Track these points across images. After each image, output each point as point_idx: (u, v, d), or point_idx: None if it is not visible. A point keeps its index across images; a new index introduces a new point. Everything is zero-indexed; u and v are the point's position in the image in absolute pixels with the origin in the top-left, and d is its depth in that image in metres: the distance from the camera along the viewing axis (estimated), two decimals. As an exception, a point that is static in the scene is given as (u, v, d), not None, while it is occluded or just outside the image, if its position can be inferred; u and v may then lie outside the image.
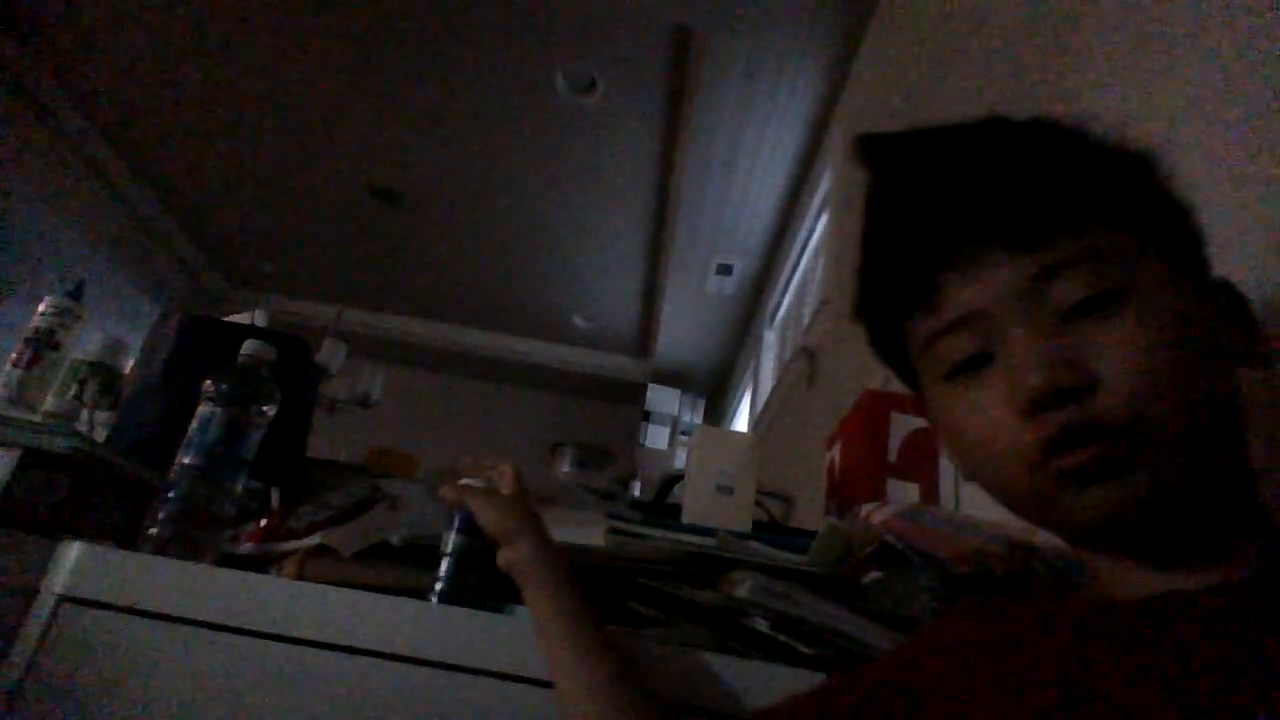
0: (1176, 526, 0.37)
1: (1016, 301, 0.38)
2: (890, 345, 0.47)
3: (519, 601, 0.61)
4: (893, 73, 2.18)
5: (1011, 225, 0.39)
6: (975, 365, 0.40)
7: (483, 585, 0.65)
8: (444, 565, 0.65)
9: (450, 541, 0.65)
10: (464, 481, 0.67)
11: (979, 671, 0.41)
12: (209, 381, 0.69)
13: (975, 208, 0.40)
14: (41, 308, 1.12)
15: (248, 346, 0.71)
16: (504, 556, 0.61)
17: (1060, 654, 0.37)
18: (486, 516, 0.62)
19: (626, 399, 5.40)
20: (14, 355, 1.09)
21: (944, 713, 0.41)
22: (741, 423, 4.28)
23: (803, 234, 3.22)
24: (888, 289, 0.45)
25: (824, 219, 2.85)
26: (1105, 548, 0.40)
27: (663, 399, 4.99)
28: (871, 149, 0.46)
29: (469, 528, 0.65)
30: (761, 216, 3.60)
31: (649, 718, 0.52)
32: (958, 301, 0.40)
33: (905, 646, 0.49)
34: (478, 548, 0.64)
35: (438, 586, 0.64)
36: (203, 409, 0.68)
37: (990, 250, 0.39)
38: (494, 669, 0.58)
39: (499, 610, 0.63)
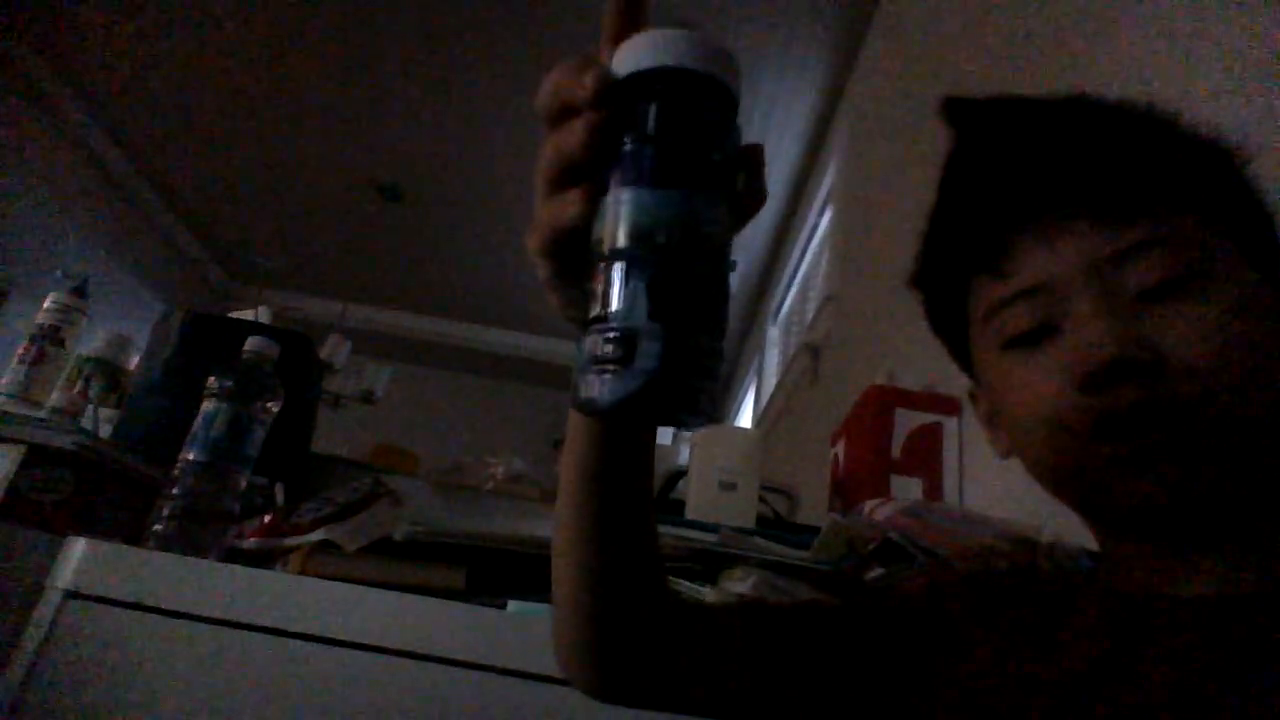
0: (1222, 519, 0.36)
1: (1090, 275, 0.38)
2: (946, 314, 0.46)
3: (518, 598, 0.61)
4: (898, 66, 2.17)
5: (1095, 199, 0.38)
6: (1037, 338, 0.39)
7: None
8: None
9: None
10: None
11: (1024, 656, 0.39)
12: (213, 378, 0.69)
13: (1061, 176, 0.39)
14: (46, 304, 1.12)
15: (251, 343, 0.71)
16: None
17: (1113, 653, 0.36)
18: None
19: (629, 394, 5.39)
20: (19, 352, 1.09)
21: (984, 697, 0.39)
22: (745, 419, 4.28)
23: (806, 229, 3.21)
24: (959, 247, 0.44)
25: (827, 214, 2.84)
26: (1138, 537, 0.38)
27: (666, 395, 4.97)
28: (958, 110, 0.45)
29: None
30: (764, 212, 3.59)
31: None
32: (1031, 267, 0.39)
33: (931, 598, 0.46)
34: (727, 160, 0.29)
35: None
36: (207, 405, 0.68)
37: (1071, 221, 0.38)
38: (496, 664, 0.58)
39: (501, 607, 0.63)
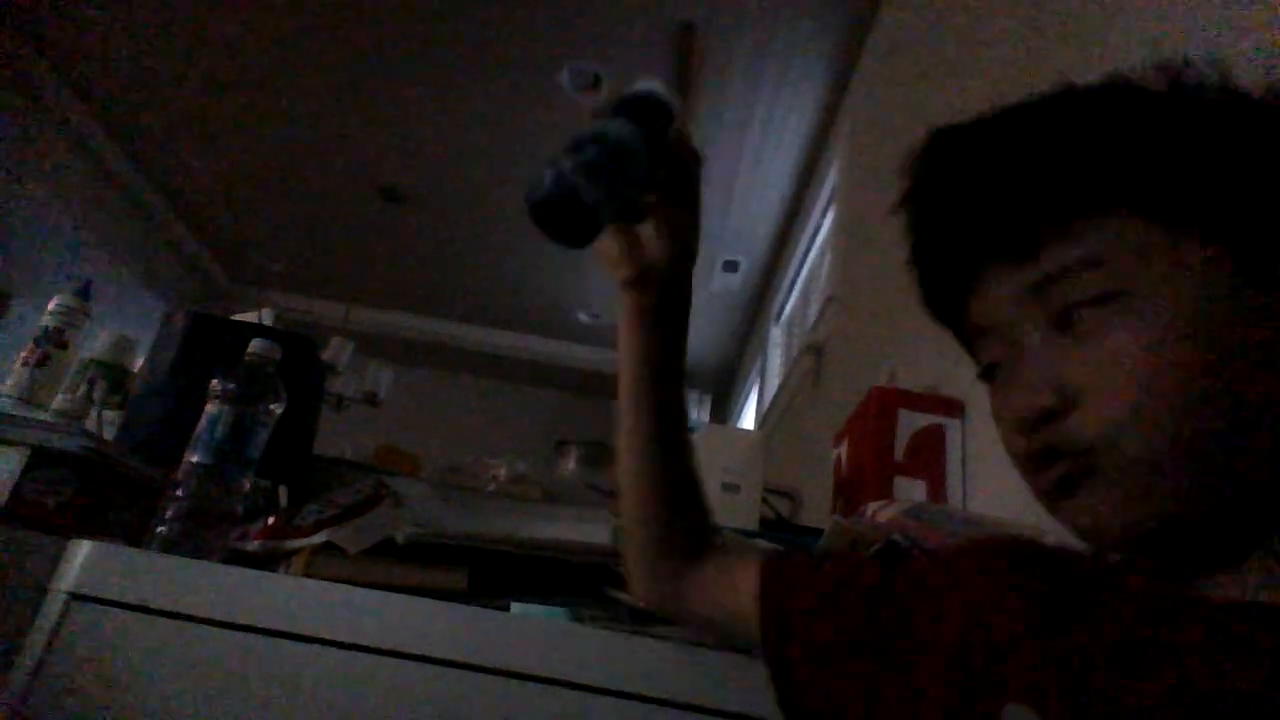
0: (1189, 539, 0.35)
1: (1018, 315, 0.38)
2: (952, 320, 0.47)
3: (520, 599, 0.61)
4: (902, 65, 2.17)
5: (1001, 241, 0.38)
6: (994, 373, 0.41)
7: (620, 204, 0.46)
8: (587, 151, 0.44)
9: (612, 127, 0.47)
10: None
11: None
12: (216, 380, 0.69)
13: (971, 229, 0.40)
14: (50, 307, 1.13)
15: (254, 345, 0.71)
16: (650, 278, 0.54)
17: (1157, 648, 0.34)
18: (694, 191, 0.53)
19: (633, 396, 5.39)
20: (23, 355, 1.10)
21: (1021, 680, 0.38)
22: (748, 420, 4.28)
23: (809, 230, 3.21)
24: (932, 302, 0.45)
25: (830, 214, 2.84)
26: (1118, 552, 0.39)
27: (669, 396, 4.97)
28: (906, 165, 0.45)
29: (644, 115, 0.49)
30: (767, 213, 3.59)
31: (704, 505, 0.57)
32: (975, 314, 0.41)
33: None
34: (646, 149, 0.47)
35: (569, 168, 0.42)
36: (210, 408, 0.68)
37: (991, 268, 0.39)
38: (499, 667, 0.58)
39: (504, 608, 0.64)
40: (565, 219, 0.43)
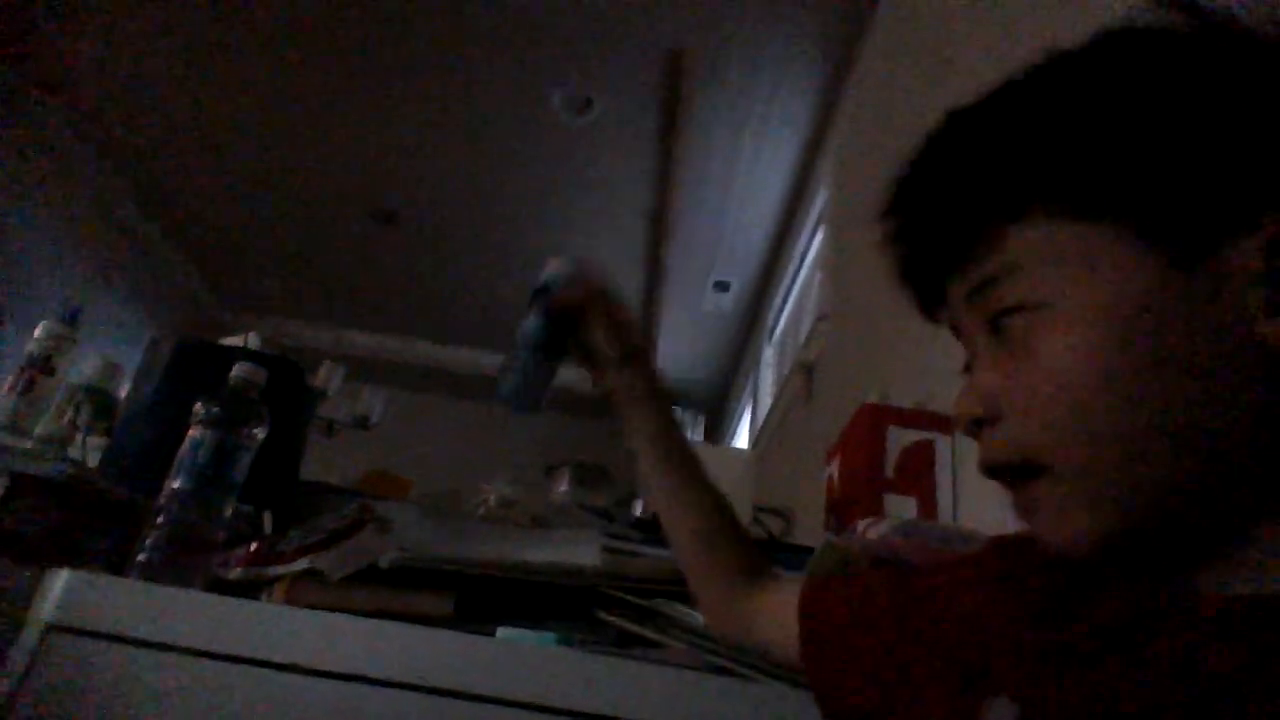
0: (1151, 541, 0.34)
1: (968, 321, 0.39)
2: None
3: (508, 624, 0.60)
4: (888, 85, 2.20)
5: (942, 252, 0.39)
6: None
7: (544, 402, 0.64)
8: (512, 359, 0.63)
9: (525, 327, 0.63)
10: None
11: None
12: (199, 404, 0.68)
13: (919, 242, 0.41)
14: (37, 333, 1.12)
15: (237, 369, 0.71)
16: (620, 377, 0.64)
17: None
18: (624, 315, 0.64)
19: (627, 417, 5.38)
20: (9, 381, 1.09)
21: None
22: (742, 440, 4.27)
23: (799, 249, 3.23)
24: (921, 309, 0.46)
25: (820, 234, 2.86)
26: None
27: (663, 416, 4.96)
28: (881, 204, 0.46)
29: (549, 310, 0.63)
30: (758, 233, 3.61)
31: (744, 536, 0.62)
32: (947, 321, 0.42)
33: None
34: (553, 338, 0.63)
35: (503, 382, 0.62)
36: (192, 432, 0.68)
37: (948, 274, 0.39)
38: (484, 693, 0.57)
39: (491, 634, 0.63)
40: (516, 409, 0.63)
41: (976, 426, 0.37)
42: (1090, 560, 0.36)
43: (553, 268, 0.65)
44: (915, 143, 0.41)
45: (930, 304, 0.42)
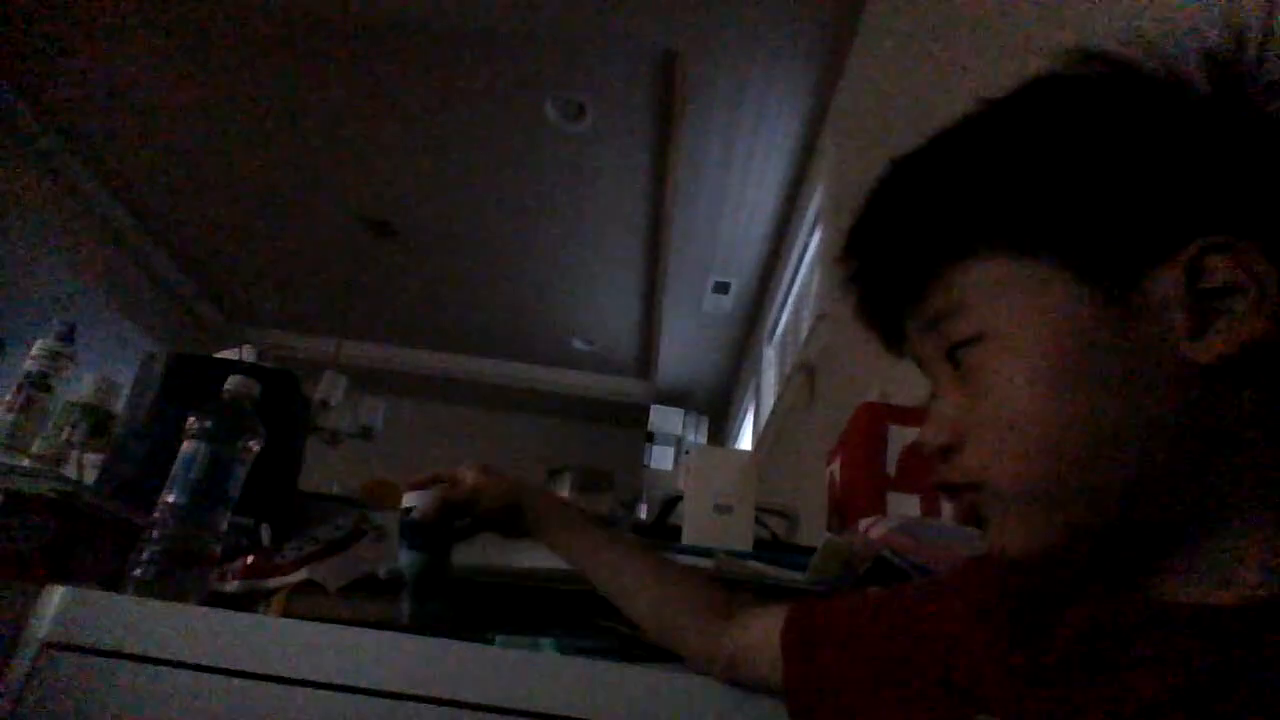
0: (1090, 555, 0.36)
1: (926, 354, 0.41)
2: None
3: (506, 631, 0.59)
4: (881, 85, 2.19)
5: (896, 289, 0.41)
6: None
7: (449, 613, 0.64)
8: (404, 592, 0.65)
9: (402, 561, 0.65)
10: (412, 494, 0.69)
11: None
12: (192, 418, 0.68)
13: (874, 279, 0.43)
14: (34, 351, 1.12)
15: (231, 382, 0.70)
16: (515, 528, 0.67)
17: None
18: (488, 493, 0.66)
19: (630, 420, 5.39)
20: (6, 400, 1.09)
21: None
22: (746, 440, 4.27)
23: (798, 249, 3.22)
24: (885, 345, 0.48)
25: (818, 233, 2.85)
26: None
27: (666, 419, 4.97)
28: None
29: (419, 540, 0.65)
30: (756, 233, 3.61)
31: (699, 582, 0.62)
32: (909, 354, 0.44)
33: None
34: (431, 566, 0.65)
35: (395, 614, 0.64)
36: (186, 446, 0.67)
37: (906, 308, 0.41)
38: (485, 702, 0.56)
39: (489, 642, 0.62)
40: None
41: (944, 455, 0.39)
42: (1039, 567, 0.38)
43: (411, 500, 0.68)
44: (864, 192, 0.43)
45: (891, 340, 0.44)
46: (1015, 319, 0.36)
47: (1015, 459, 0.35)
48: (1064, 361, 0.34)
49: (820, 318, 2.39)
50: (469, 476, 0.68)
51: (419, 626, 0.62)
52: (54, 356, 1.12)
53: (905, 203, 0.41)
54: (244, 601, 0.67)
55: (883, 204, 0.42)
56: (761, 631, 0.53)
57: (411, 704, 0.56)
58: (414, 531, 0.66)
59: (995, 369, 0.36)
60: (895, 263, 0.41)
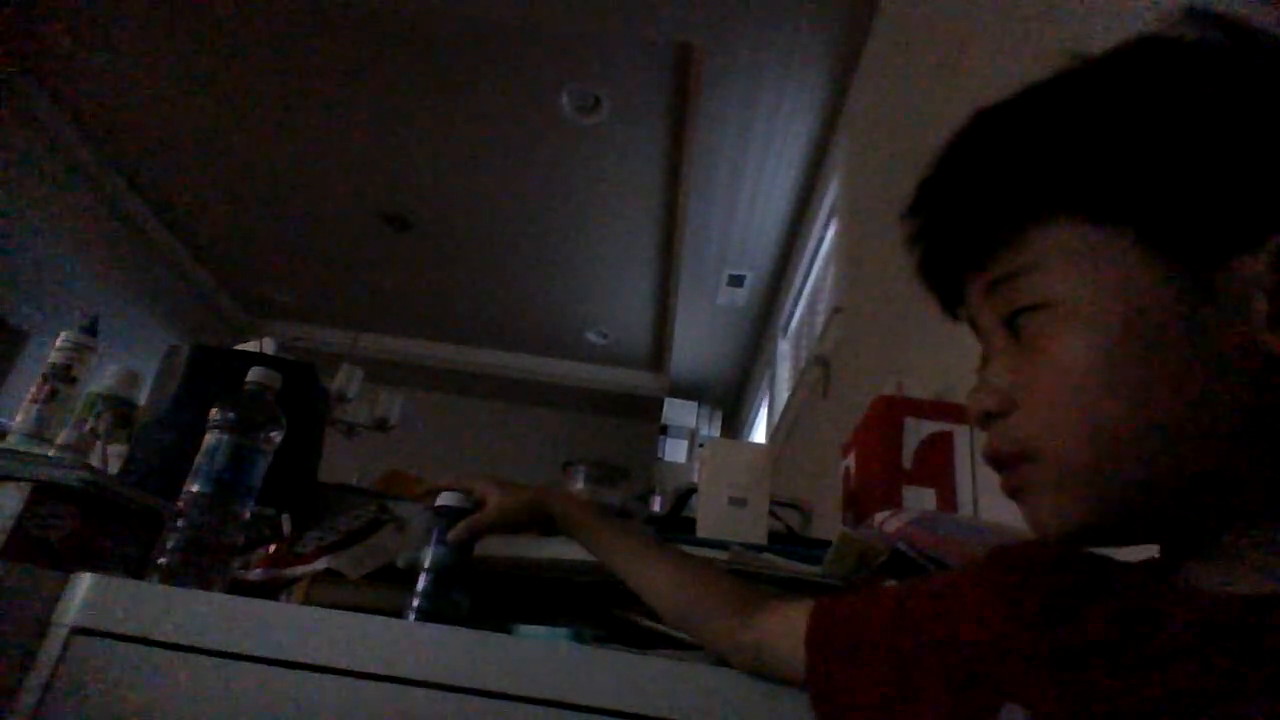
0: (1124, 537, 0.35)
1: (985, 319, 0.40)
2: None
3: (526, 622, 0.60)
4: (897, 77, 2.18)
5: (964, 248, 0.40)
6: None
7: (465, 604, 0.65)
8: (422, 581, 0.65)
9: (430, 555, 0.66)
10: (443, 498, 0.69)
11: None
12: (215, 409, 0.69)
13: (942, 238, 0.41)
14: (57, 343, 1.14)
15: (253, 374, 0.71)
16: (547, 530, 0.68)
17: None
18: (512, 511, 0.67)
19: (644, 413, 5.40)
20: (31, 392, 1.11)
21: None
22: (760, 433, 4.26)
23: (812, 242, 3.21)
24: (941, 306, 0.47)
25: (833, 226, 2.84)
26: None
27: (680, 412, 4.98)
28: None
29: (447, 539, 0.66)
30: (770, 227, 3.60)
31: (721, 573, 0.62)
32: (965, 318, 0.43)
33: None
34: (457, 561, 0.65)
35: (415, 603, 0.63)
36: (209, 437, 0.68)
37: (966, 274, 0.41)
38: (501, 690, 0.57)
39: (507, 631, 0.63)
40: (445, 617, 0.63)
41: (988, 420, 0.38)
42: (1071, 545, 0.38)
43: (445, 499, 0.69)
44: (939, 142, 0.41)
45: (950, 301, 0.43)
46: (1086, 289, 0.34)
47: (1069, 432, 0.34)
48: (1131, 338, 0.33)
49: (836, 311, 2.38)
50: (490, 497, 0.68)
51: (438, 615, 0.63)
52: (78, 348, 1.14)
53: (988, 155, 0.39)
54: (266, 589, 0.68)
55: (963, 155, 0.40)
56: (785, 623, 0.53)
57: (430, 691, 0.57)
58: (441, 536, 0.67)
59: (1058, 338, 0.35)
60: (969, 216, 0.39)
